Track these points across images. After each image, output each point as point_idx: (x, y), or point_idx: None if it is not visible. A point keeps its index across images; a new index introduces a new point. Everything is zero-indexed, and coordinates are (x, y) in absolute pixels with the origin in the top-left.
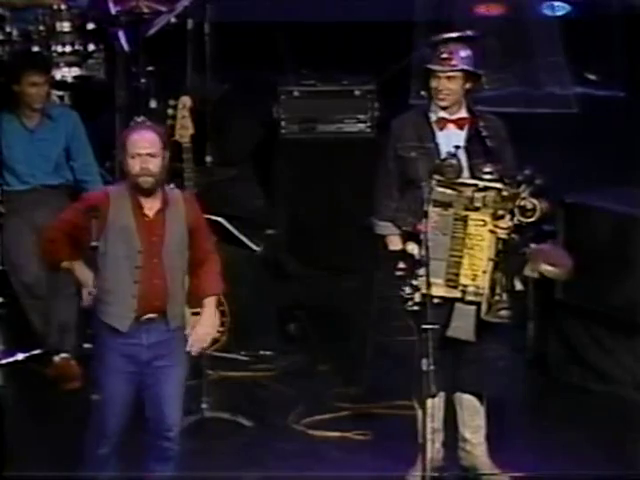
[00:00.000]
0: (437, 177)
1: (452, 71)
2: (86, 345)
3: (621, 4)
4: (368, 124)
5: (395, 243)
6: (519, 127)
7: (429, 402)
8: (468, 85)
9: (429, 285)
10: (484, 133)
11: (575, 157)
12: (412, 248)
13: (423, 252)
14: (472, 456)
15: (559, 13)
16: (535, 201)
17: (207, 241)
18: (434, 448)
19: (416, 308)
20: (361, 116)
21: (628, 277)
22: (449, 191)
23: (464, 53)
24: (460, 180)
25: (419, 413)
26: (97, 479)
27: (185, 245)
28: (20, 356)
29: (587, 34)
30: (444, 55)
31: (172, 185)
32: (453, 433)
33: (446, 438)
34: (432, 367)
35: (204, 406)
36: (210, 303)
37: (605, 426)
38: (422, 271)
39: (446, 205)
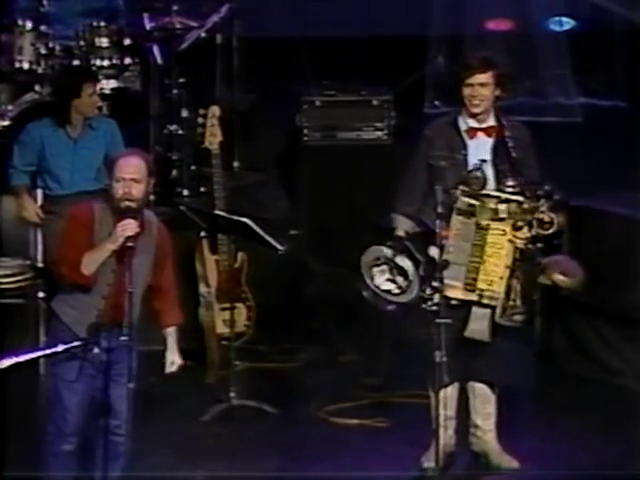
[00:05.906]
0: (462, 187)
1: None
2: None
3: (622, 20)
4: (385, 132)
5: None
6: None
7: (442, 391)
8: (497, 92)
9: (442, 284)
10: (510, 144)
11: (578, 162)
12: (434, 252)
13: (444, 256)
14: (482, 442)
15: (565, 28)
16: (553, 215)
17: (170, 271)
18: (447, 434)
19: (435, 308)
20: (378, 124)
21: (629, 276)
22: (473, 201)
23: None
24: (484, 192)
25: (433, 402)
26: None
27: (150, 267)
28: (61, 347)
29: (591, 48)
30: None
31: (150, 212)
32: (465, 420)
33: (458, 425)
34: (444, 359)
35: (232, 394)
36: (172, 333)
37: (606, 414)
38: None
39: (469, 214)
